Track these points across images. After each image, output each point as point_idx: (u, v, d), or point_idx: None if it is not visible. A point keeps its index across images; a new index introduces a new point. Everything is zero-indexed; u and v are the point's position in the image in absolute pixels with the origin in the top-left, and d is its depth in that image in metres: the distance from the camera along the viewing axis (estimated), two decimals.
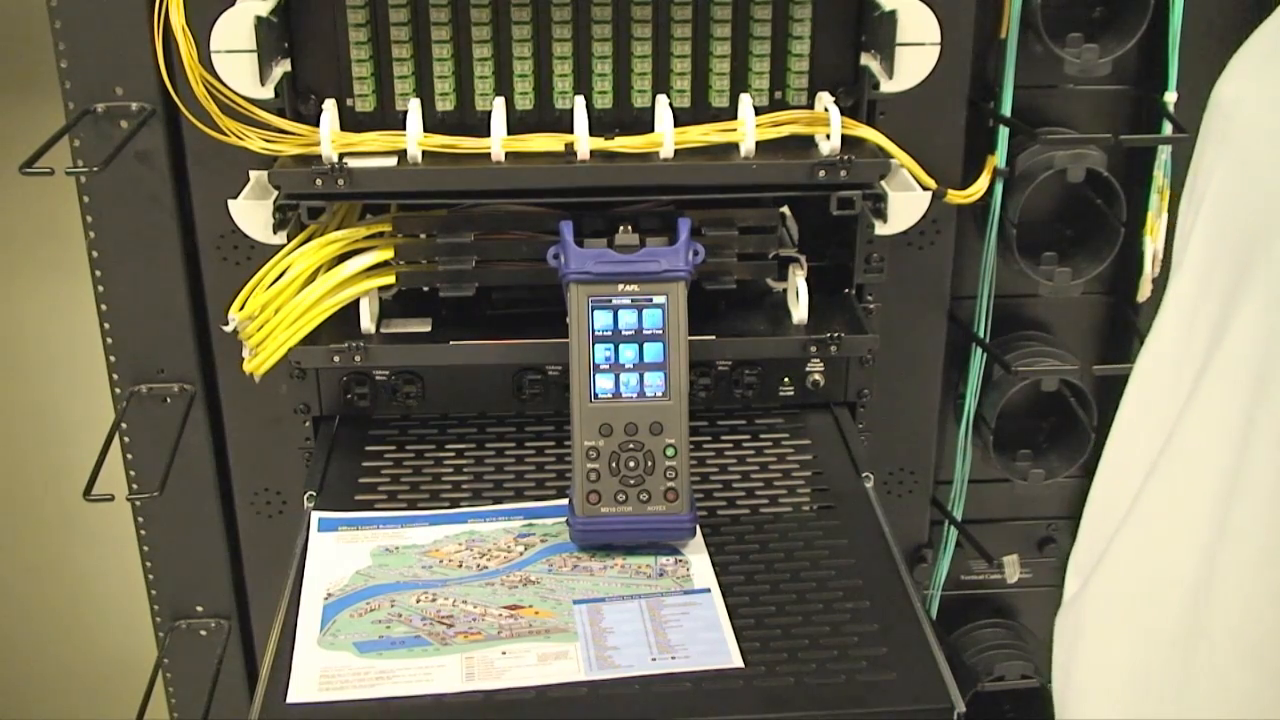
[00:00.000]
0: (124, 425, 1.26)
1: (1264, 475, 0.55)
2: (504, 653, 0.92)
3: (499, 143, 1.07)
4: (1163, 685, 0.58)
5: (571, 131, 1.08)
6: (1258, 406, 0.55)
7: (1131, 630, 0.60)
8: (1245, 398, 0.56)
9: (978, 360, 1.33)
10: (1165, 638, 0.57)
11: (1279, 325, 0.56)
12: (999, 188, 1.25)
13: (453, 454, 1.19)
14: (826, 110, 1.11)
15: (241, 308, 1.11)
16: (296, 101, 1.14)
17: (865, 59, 1.15)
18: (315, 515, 1.09)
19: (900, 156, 1.13)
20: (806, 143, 1.13)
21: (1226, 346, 0.57)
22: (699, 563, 1.03)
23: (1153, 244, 1.28)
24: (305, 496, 1.12)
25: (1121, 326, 1.36)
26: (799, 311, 1.19)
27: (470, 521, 1.09)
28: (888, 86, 1.11)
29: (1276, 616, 0.55)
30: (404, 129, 1.07)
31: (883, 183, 1.12)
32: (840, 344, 1.17)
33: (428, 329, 1.18)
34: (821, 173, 1.09)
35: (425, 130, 1.08)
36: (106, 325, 1.24)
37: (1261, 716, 0.56)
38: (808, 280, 1.19)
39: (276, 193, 1.08)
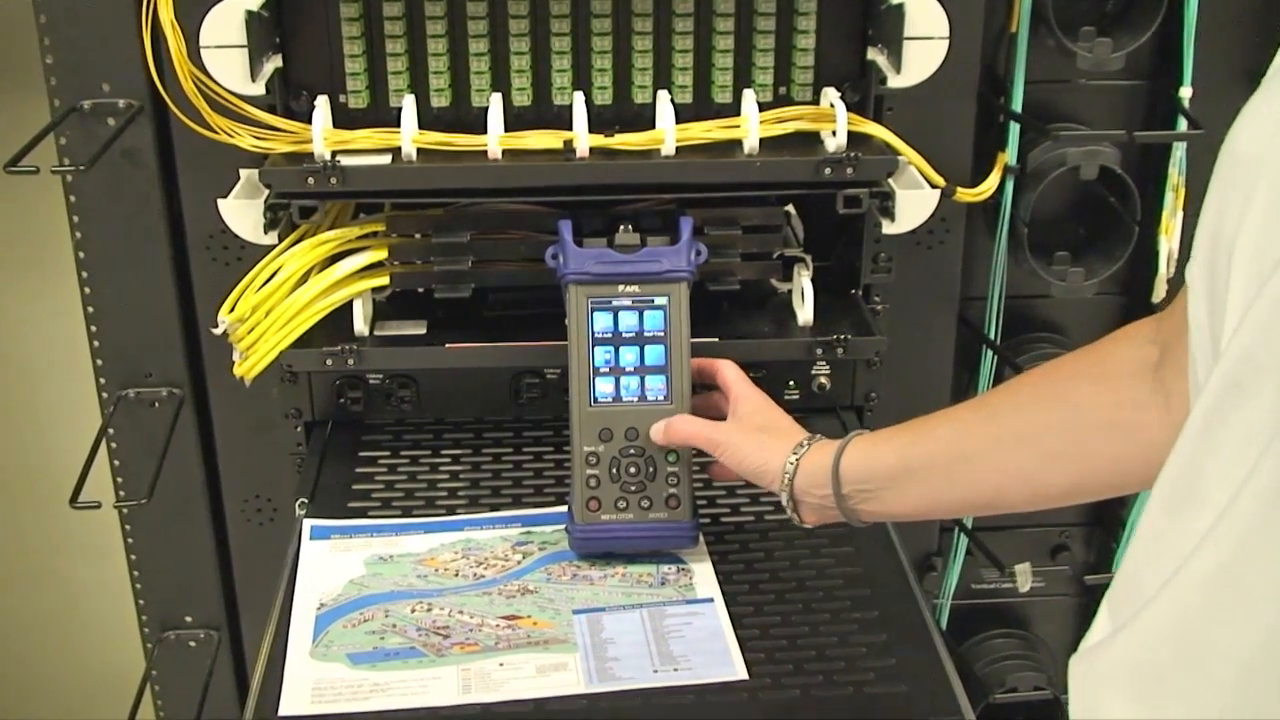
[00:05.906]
0: (111, 430, 1.26)
1: None
2: (501, 664, 0.91)
3: (496, 140, 1.07)
4: None
5: (570, 128, 1.07)
6: None
7: (1173, 700, 0.57)
8: None
9: (988, 363, 1.32)
10: (1212, 714, 0.55)
11: None
12: (1010, 185, 1.24)
13: (448, 460, 1.19)
14: (832, 106, 1.10)
15: (232, 310, 1.10)
16: (288, 98, 1.13)
17: (872, 54, 1.14)
18: (307, 523, 1.08)
19: (908, 154, 1.12)
20: (812, 139, 1.12)
21: None
22: (702, 571, 1.02)
23: (1168, 243, 1.27)
24: (297, 504, 1.12)
25: None
26: (804, 313, 1.18)
27: (466, 529, 1.08)
28: (895, 82, 1.10)
29: None
30: (398, 126, 1.07)
31: (890, 180, 1.11)
32: (847, 346, 1.16)
33: (423, 331, 1.17)
34: (827, 170, 1.08)
35: (420, 127, 1.07)
36: (93, 328, 1.23)
37: None
38: (813, 280, 1.18)
39: (267, 191, 1.08)
